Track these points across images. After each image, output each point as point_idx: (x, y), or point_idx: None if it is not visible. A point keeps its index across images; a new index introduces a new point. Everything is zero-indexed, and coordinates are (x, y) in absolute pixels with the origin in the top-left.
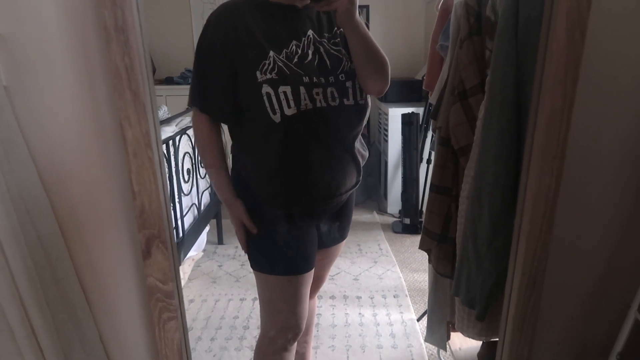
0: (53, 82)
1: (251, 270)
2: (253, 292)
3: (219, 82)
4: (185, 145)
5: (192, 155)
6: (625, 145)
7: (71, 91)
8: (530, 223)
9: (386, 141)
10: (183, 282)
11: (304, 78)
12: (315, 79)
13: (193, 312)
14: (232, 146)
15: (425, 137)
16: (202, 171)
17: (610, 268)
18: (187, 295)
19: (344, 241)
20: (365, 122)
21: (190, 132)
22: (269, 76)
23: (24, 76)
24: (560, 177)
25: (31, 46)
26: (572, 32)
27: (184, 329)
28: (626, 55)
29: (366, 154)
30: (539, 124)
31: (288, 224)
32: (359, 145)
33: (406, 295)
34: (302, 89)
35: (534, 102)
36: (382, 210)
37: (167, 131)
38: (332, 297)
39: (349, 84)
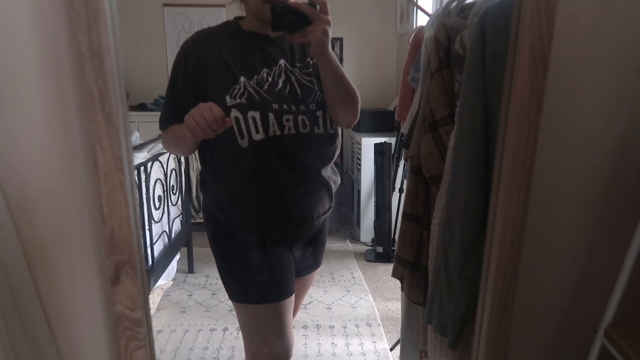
0: (23, 103)
1: (222, 299)
2: (224, 323)
3: (189, 106)
4: (157, 172)
5: (163, 182)
6: (588, 173)
7: (42, 113)
8: (500, 249)
9: (359, 170)
10: (152, 312)
11: (273, 105)
12: (285, 106)
13: (161, 343)
14: (202, 172)
15: (397, 166)
16: (174, 198)
17: (578, 293)
18: (155, 325)
19: (318, 269)
20: (336, 150)
21: (162, 158)
22: (238, 101)
23: None
24: (528, 204)
25: (2, 66)
26: (534, 66)
27: (152, 359)
28: (588, 87)
29: (338, 179)
30: (505, 153)
31: (262, 251)
32: (331, 171)
33: (379, 325)
34: (271, 115)
35: (501, 132)
36: (355, 239)
37: (139, 157)
38: (305, 327)
39: (319, 113)
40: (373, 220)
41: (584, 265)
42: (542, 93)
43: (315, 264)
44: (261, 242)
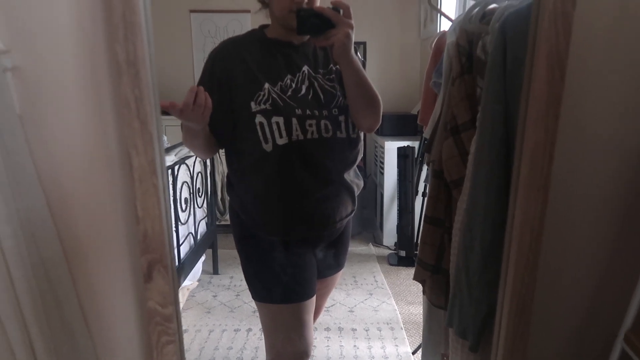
0: (65, 111)
1: (246, 300)
2: (247, 323)
3: (213, 113)
4: (184, 174)
5: (190, 184)
6: (607, 177)
7: (82, 120)
8: (518, 252)
9: (382, 174)
10: None
11: (296, 110)
12: (308, 112)
13: (187, 342)
14: (228, 175)
15: (420, 170)
16: (200, 200)
17: (597, 297)
18: None
19: (341, 271)
20: (359, 154)
21: (189, 161)
22: (262, 107)
23: (37, 105)
24: (545, 207)
25: (46, 77)
26: (552, 72)
27: (181, 354)
28: (607, 92)
29: (361, 183)
30: (524, 158)
31: (286, 252)
32: (354, 175)
33: (401, 328)
34: (294, 120)
35: (519, 137)
36: (378, 242)
37: (167, 160)
38: (327, 329)
39: (341, 118)
40: (396, 223)
41: (603, 269)
42: (560, 98)
43: (337, 266)
44: (284, 243)
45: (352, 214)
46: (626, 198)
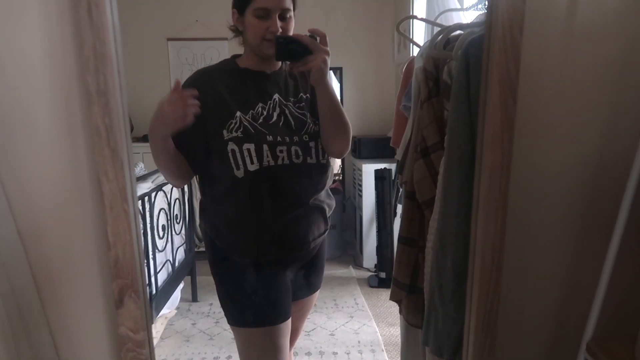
0: (36, 139)
1: (225, 327)
2: (227, 351)
3: (184, 140)
4: (161, 201)
5: (167, 211)
6: (563, 193)
7: (53, 148)
8: (481, 269)
9: (360, 196)
10: (155, 342)
11: (267, 137)
12: (279, 138)
13: None
14: (201, 201)
15: (398, 191)
16: (178, 227)
17: (562, 309)
18: (158, 355)
19: (317, 293)
20: (328, 179)
21: (166, 188)
22: (234, 134)
23: (7, 134)
24: (505, 226)
25: (17, 106)
26: (504, 97)
27: None
28: (557, 113)
29: (332, 203)
30: (482, 178)
31: (258, 274)
32: (325, 195)
33: (382, 350)
34: (265, 147)
35: (478, 158)
36: (358, 265)
37: (143, 187)
38: (308, 354)
39: (312, 144)
40: (375, 245)
41: (565, 283)
42: (513, 121)
43: (313, 287)
44: (257, 266)
45: (325, 234)
46: (583, 214)
